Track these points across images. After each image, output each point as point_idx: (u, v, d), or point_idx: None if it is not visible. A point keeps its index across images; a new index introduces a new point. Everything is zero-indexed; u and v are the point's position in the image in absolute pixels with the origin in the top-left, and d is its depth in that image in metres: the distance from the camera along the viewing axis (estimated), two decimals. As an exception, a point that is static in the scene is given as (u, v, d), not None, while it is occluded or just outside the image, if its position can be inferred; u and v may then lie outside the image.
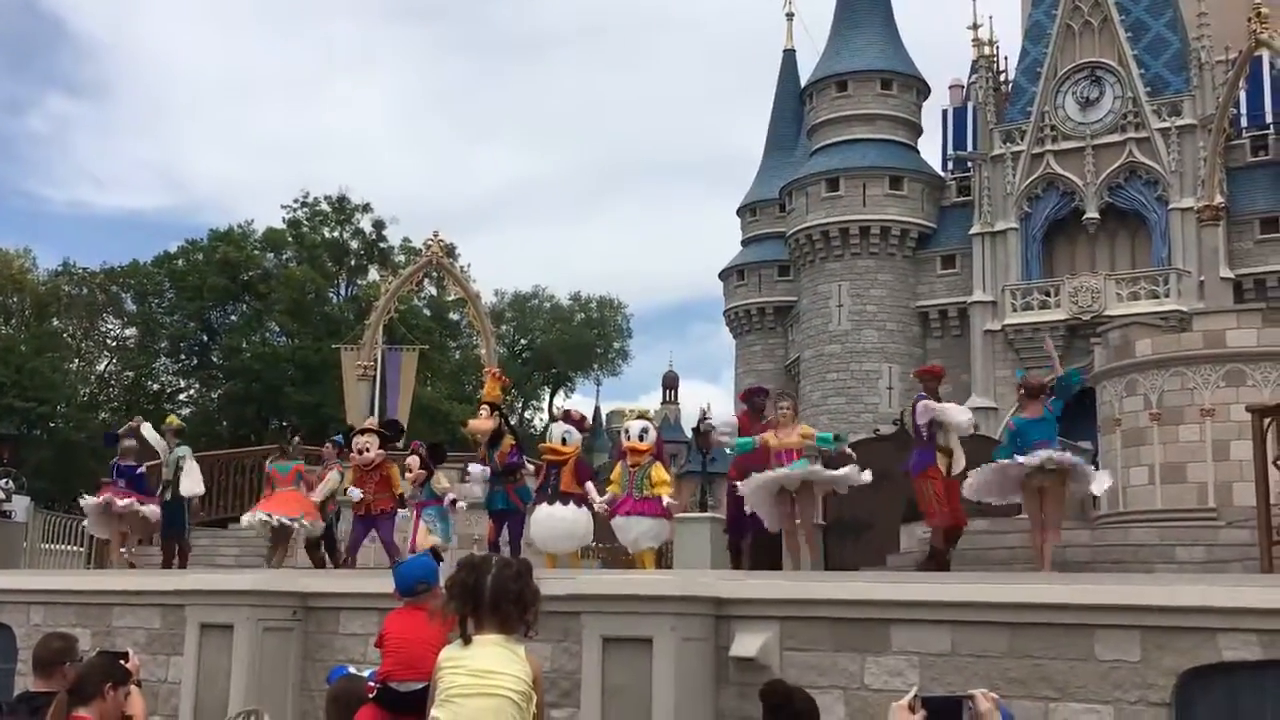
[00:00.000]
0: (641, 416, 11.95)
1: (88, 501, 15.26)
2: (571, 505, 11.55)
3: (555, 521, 11.55)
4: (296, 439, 15.13)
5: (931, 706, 3.83)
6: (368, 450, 12.26)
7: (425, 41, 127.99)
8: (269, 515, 13.45)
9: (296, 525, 13.57)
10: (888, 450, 14.52)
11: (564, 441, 11.87)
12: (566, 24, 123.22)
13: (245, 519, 14.29)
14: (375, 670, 6.48)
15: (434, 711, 4.34)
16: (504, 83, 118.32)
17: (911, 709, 3.79)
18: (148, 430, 17.05)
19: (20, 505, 19.52)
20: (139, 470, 15.12)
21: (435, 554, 6.79)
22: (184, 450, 15.27)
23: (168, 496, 15.09)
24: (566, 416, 12.41)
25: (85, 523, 16.57)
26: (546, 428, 12.73)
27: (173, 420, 16.59)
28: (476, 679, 4.26)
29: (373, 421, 14.30)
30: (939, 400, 11.51)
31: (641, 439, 11.61)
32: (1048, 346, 13.22)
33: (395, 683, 6.09)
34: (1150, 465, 16.54)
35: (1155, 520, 15.45)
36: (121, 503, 14.67)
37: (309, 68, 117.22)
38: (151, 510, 14.82)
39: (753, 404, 13.05)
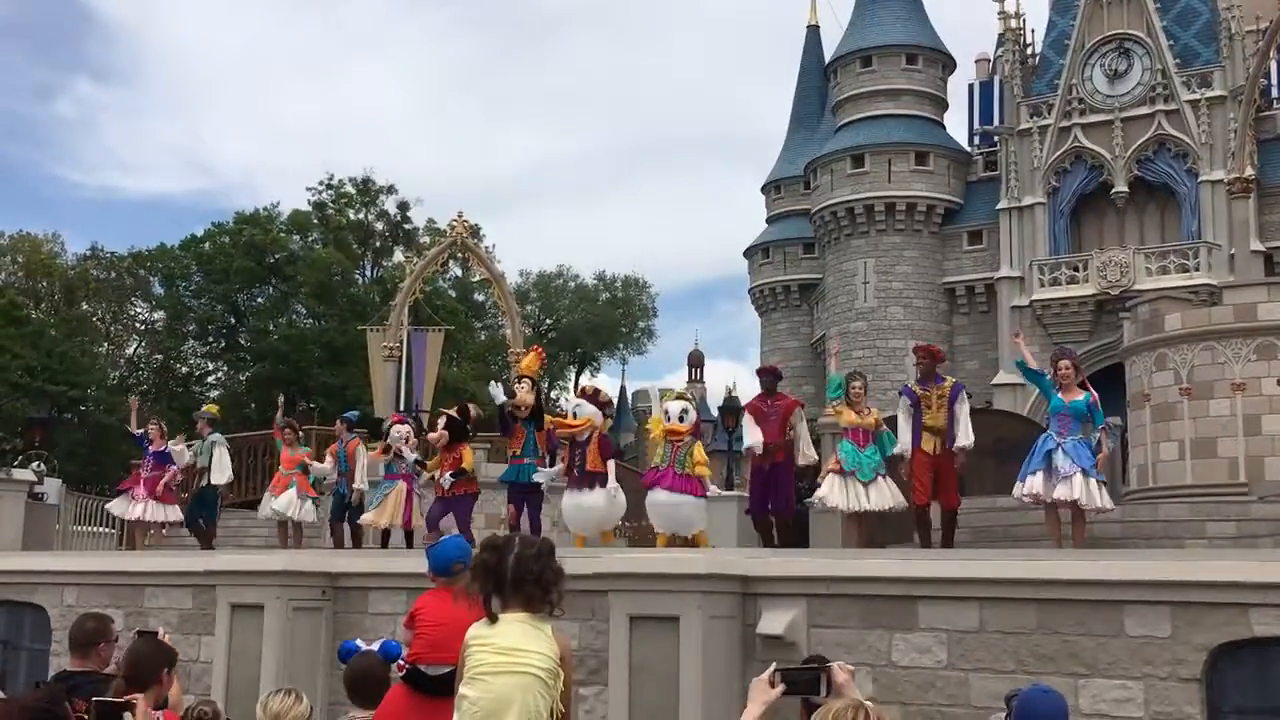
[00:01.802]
0: (680, 398, 12.05)
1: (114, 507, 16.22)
2: (599, 490, 11.65)
3: (585, 511, 11.72)
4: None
5: (790, 679, 3.84)
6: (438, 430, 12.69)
7: (443, 21, 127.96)
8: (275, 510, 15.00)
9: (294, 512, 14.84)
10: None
11: (575, 416, 12.01)
12: (585, 1, 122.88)
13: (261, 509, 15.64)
14: (385, 642, 6.49)
15: (462, 689, 4.33)
16: (522, 61, 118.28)
17: (771, 683, 3.81)
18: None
19: (52, 488, 19.79)
20: (162, 449, 15.44)
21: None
22: (216, 437, 15.46)
23: (204, 483, 15.28)
24: (580, 392, 12.55)
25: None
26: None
27: (212, 408, 16.76)
28: (504, 656, 4.26)
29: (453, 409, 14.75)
30: (934, 378, 11.72)
31: (682, 420, 11.69)
32: (1019, 344, 12.58)
33: (425, 665, 6.09)
34: (1180, 440, 16.43)
35: (1186, 495, 15.38)
36: (132, 515, 15.56)
37: (328, 50, 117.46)
38: (156, 510, 15.34)
39: (764, 383, 13.05)
